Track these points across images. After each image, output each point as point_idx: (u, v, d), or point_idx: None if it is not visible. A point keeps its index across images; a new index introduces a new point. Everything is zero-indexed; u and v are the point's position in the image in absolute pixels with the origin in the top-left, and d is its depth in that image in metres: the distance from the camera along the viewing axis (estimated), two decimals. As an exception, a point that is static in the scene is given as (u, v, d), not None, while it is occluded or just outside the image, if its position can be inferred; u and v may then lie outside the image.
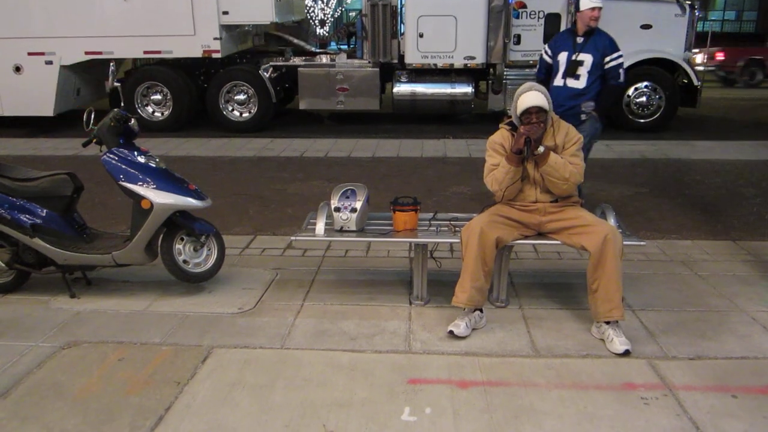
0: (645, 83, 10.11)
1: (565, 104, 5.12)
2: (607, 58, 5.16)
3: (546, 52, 5.44)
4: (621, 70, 5.19)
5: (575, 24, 5.30)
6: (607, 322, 3.57)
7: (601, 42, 5.19)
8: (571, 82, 5.21)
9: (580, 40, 5.20)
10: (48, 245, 4.08)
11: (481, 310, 3.77)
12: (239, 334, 3.73)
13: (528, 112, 3.72)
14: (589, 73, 5.15)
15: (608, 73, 5.16)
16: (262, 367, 3.38)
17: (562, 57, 5.27)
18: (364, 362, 3.43)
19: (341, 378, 3.27)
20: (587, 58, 5.15)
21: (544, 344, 3.61)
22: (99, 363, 3.42)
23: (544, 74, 5.48)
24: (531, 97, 3.72)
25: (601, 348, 3.55)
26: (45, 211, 4.14)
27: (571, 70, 5.20)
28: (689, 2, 10.40)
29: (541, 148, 3.73)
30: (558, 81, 5.28)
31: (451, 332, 3.64)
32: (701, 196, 6.70)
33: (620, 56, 5.22)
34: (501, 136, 3.95)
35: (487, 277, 3.71)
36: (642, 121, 10.25)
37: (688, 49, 10.18)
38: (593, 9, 5.08)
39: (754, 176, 7.43)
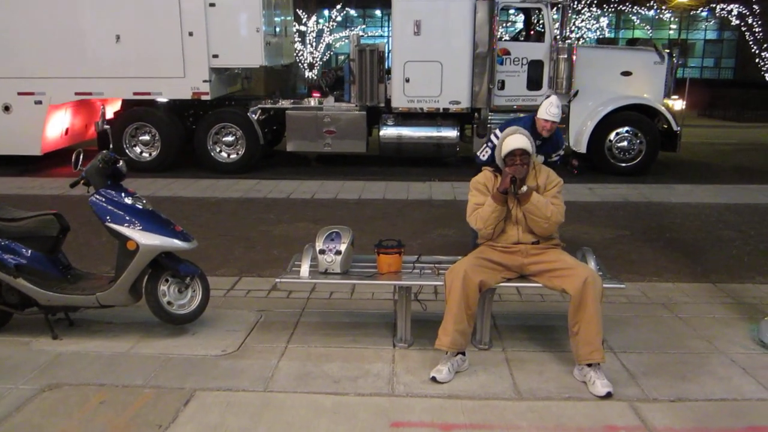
0: (626, 128, 10.34)
1: None
2: (554, 155, 5.46)
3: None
4: (559, 162, 5.52)
5: (534, 123, 5.29)
6: (589, 365, 3.60)
7: (555, 141, 5.42)
8: None
9: (538, 142, 5.22)
10: (32, 286, 4.06)
11: (463, 354, 3.79)
12: (222, 377, 3.72)
13: (513, 153, 3.86)
14: None
15: (549, 166, 5.25)
16: (244, 411, 3.36)
17: None
18: (347, 405, 3.43)
19: (324, 421, 3.26)
20: (539, 159, 5.22)
21: (526, 387, 3.62)
22: (80, 406, 3.39)
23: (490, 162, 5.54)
24: (516, 139, 3.88)
25: (584, 390, 3.57)
26: (30, 251, 4.14)
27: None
28: (668, 50, 10.74)
29: (524, 188, 3.84)
30: None
31: (433, 378, 3.65)
32: (682, 239, 6.81)
33: (563, 151, 5.57)
34: (484, 176, 4.09)
35: (470, 321, 3.74)
36: (623, 165, 10.45)
37: (667, 95, 10.47)
38: (547, 121, 5.18)
39: (733, 219, 7.57)
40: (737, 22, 24.66)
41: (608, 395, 3.47)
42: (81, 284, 4.26)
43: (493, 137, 5.47)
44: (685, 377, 3.73)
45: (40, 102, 10.13)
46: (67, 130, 10.76)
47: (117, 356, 3.97)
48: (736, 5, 23.81)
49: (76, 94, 10.24)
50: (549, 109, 5.17)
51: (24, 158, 10.47)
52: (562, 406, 3.43)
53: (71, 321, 4.41)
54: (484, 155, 5.50)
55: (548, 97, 5.34)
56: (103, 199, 4.07)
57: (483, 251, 3.95)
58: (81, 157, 4.15)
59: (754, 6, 22.92)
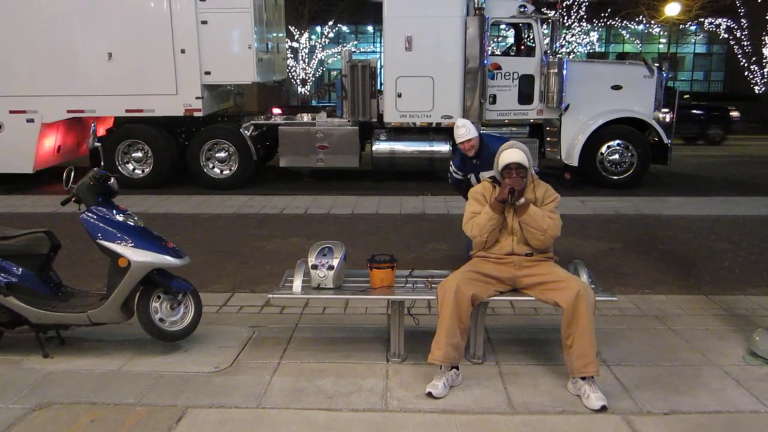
0: (617, 141, 10.41)
1: None
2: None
3: (456, 172, 5.69)
4: None
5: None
6: (583, 378, 3.60)
7: (492, 154, 5.39)
8: None
9: (476, 161, 5.42)
10: (23, 304, 4.04)
11: (457, 368, 3.78)
12: (215, 394, 3.69)
13: (509, 167, 3.91)
14: None
15: None
16: (237, 428, 3.34)
17: (472, 177, 5.49)
18: (341, 421, 3.41)
19: (317, 437, 3.24)
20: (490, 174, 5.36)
21: (520, 401, 3.61)
22: (70, 425, 3.36)
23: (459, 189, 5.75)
24: (512, 153, 3.93)
25: (578, 404, 3.56)
26: (21, 269, 4.12)
27: None
28: (657, 64, 10.84)
29: (522, 199, 3.88)
30: None
31: (429, 393, 3.64)
32: (674, 251, 6.83)
33: None
34: (483, 187, 4.14)
35: (463, 334, 3.74)
36: (615, 178, 10.51)
37: (657, 108, 10.54)
38: (462, 143, 5.32)
39: (725, 231, 7.61)
40: (726, 35, 24.93)
41: (603, 408, 3.47)
42: (72, 302, 4.23)
43: (454, 173, 5.75)
44: (679, 390, 3.73)
45: (32, 120, 10.13)
46: (59, 148, 10.75)
47: (108, 374, 3.94)
48: (725, 19, 24.08)
49: (68, 111, 10.25)
50: (457, 132, 5.34)
51: (15, 176, 10.43)
52: (557, 420, 3.42)
53: (62, 339, 4.37)
54: (450, 178, 5.86)
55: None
56: (95, 217, 4.06)
57: (475, 264, 3.96)
58: (72, 174, 4.15)
59: (742, 20, 23.19)
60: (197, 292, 4.33)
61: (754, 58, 23.38)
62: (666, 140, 10.34)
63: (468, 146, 5.31)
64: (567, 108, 10.20)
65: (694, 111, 17.31)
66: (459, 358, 3.76)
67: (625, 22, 26.23)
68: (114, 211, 4.12)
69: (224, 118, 11.17)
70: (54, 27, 9.97)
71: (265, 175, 11.65)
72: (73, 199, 4.13)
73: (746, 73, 23.87)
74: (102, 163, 4.34)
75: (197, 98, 10.12)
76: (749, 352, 4.19)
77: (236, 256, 6.66)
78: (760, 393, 3.68)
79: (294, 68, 23.88)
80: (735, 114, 17.33)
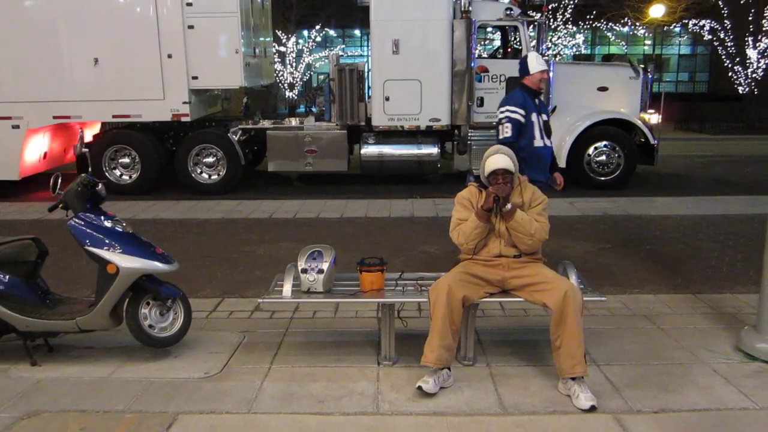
0: (604, 143, 10.48)
1: (549, 163, 5.27)
2: (545, 117, 5.29)
3: (519, 114, 5.09)
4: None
5: (524, 86, 5.26)
6: (573, 378, 3.62)
7: (543, 102, 5.43)
8: (548, 142, 5.25)
9: (537, 101, 5.27)
10: (10, 312, 4.00)
11: (448, 369, 3.79)
12: (205, 400, 3.68)
13: (495, 173, 3.90)
14: None
15: (546, 130, 5.22)
16: (228, 433, 3.33)
17: (534, 117, 5.16)
18: (332, 425, 3.40)
19: (309, 442, 3.24)
20: (544, 118, 5.29)
21: (511, 402, 3.62)
22: (60, 433, 3.33)
23: (516, 137, 5.12)
24: (498, 159, 3.92)
25: (568, 404, 3.58)
26: (7, 276, 4.08)
27: (548, 131, 5.26)
28: (642, 66, 10.93)
29: (508, 205, 3.88)
30: (539, 142, 5.19)
31: (419, 388, 3.64)
32: (661, 250, 6.88)
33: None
34: (469, 192, 4.12)
35: (455, 336, 3.75)
36: (602, 178, 10.57)
37: (643, 109, 10.64)
38: (543, 72, 5.21)
39: (711, 230, 7.67)
40: (710, 37, 25.16)
41: (592, 408, 3.48)
42: (60, 309, 4.20)
43: (503, 114, 5.16)
44: (668, 388, 3.75)
45: (17, 126, 10.04)
46: (45, 154, 10.67)
47: (98, 381, 3.91)
48: (709, 20, 24.30)
49: (54, 117, 10.18)
50: (539, 60, 5.25)
51: (1, 183, 10.34)
52: (547, 420, 3.44)
53: (51, 346, 4.34)
54: (506, 132, 5.15)
55: (526, 56, 5.41)
56: (82, 223, 4.03)
57: (465, 266, 3.97)
58: (59, 180, 4.12)
59: (725, 21, 23.41)
60: (186, 298, 4.30)
61: (737, 59, 23.60)
62: (652, 141, 10.43)
63: (543, 77, 5.17)
64: (554, 110, 10.24)
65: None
66: (451, 359, 3.77)
67: (610, 24, 26.42)
68: (102, 217, 4.10)
69: (212, 123, 11.13)
70: (40, 32, 9.90)
71: (254, 180, 11.63)
72: (61, 205, 4.10)
73: (730, 74, 24.09)
74: (89, 169, 4.31)
75: (184, 103, 10.09)
76: (736, 349, 4.23)
77: (225, 261, 6.63)
78: (749, 390, 3.71)
79: (281, 72, 23.88)
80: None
